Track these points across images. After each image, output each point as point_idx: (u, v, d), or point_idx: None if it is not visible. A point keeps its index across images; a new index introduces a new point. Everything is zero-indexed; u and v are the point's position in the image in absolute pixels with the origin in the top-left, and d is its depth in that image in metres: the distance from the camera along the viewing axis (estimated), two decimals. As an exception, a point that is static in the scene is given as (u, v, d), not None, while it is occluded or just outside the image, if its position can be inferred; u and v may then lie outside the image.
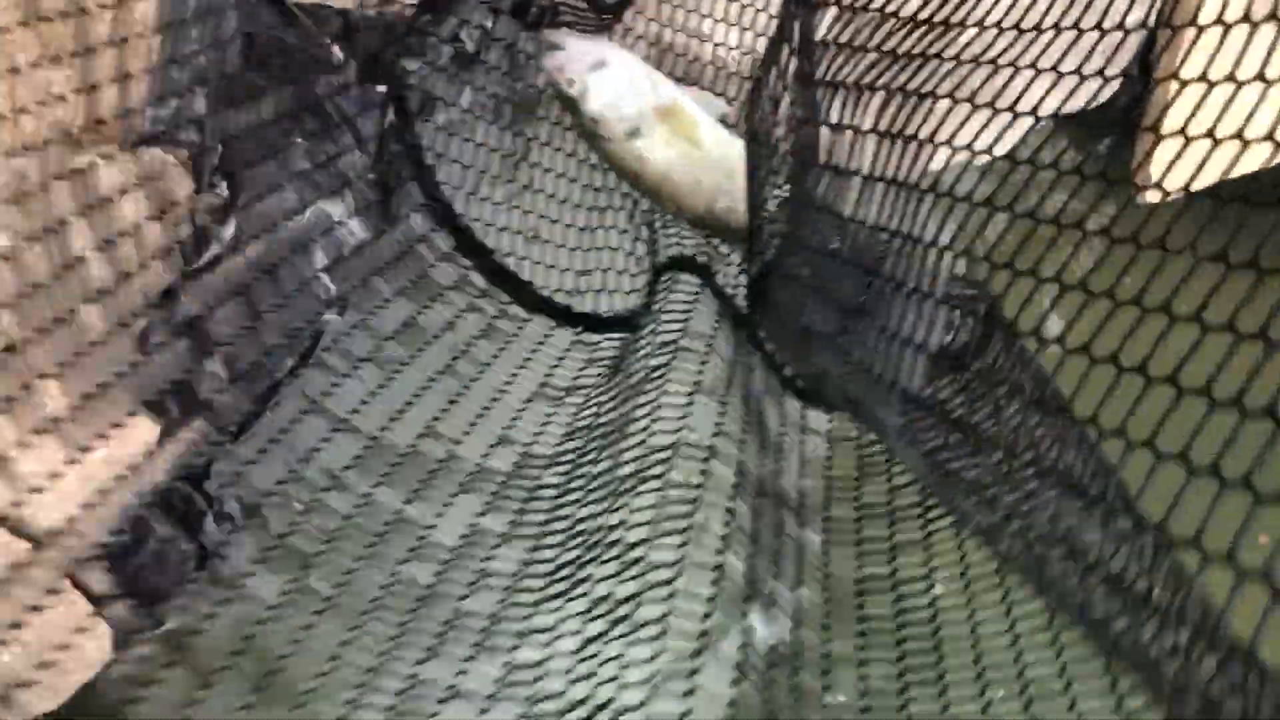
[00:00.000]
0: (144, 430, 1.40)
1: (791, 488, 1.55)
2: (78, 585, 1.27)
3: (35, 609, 1.19)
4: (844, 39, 1.28)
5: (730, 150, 1.80)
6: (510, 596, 1.38)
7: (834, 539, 1.50)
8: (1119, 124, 1.12)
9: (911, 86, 1.16)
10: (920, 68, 1.17)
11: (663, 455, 1.39)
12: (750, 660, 1.15)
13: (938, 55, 1.16)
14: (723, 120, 1.89)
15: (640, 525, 1.30)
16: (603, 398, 1.71)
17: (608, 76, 1.74)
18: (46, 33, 1.29)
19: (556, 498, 1.54)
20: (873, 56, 1.23)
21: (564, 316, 1.93)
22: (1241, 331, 0.71)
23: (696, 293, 1.66)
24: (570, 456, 1.61)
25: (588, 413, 1.71)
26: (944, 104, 1.12)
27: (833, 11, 1.33)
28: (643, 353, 1.61)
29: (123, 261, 1.39)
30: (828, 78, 1.28)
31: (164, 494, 1.38)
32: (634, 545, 1.28)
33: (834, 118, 1.26)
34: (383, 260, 1.82)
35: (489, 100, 2.01)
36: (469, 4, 1.90)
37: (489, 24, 1.96)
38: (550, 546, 1.44)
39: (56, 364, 1.26)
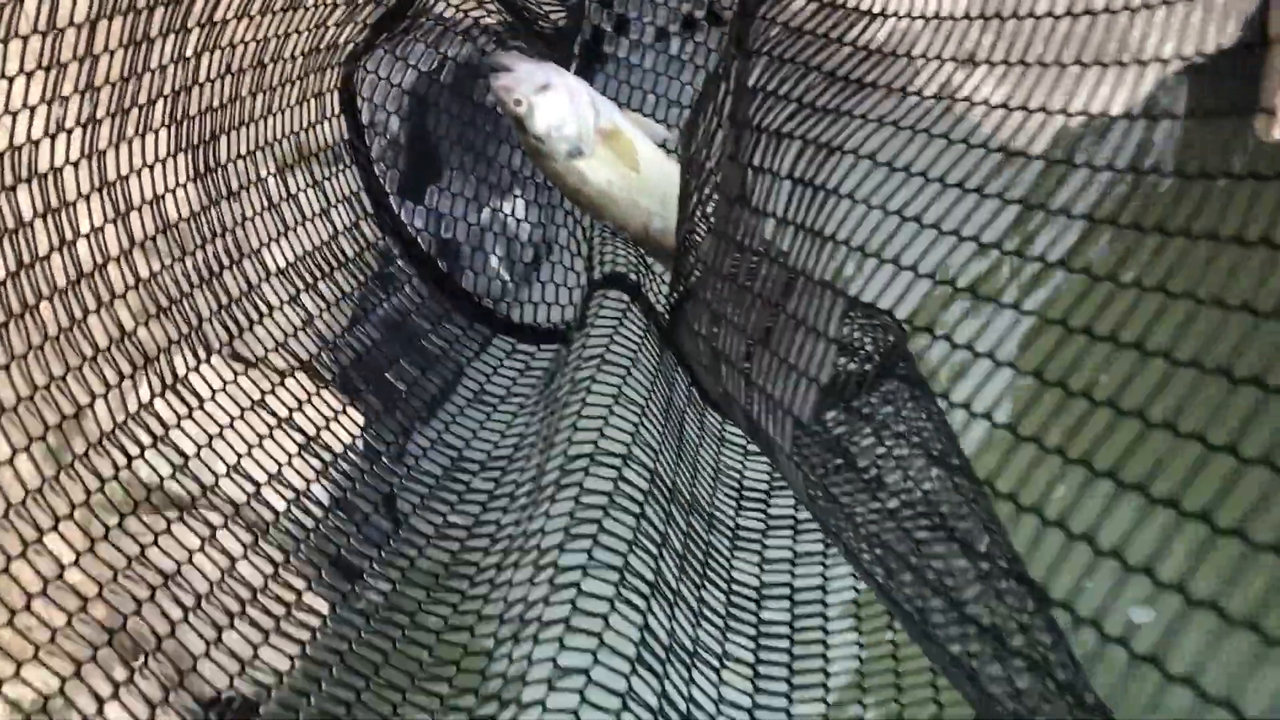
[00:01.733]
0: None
1: (704, 496, 1.62)
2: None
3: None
4: (769, 87, 1.35)
5: (667, 174, 1.87)
6: (434, 595, 1.45)
7: (740, 546, 1.58)
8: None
9: (824, 139, 1.23)
10: (834, 121, 1.24)
11: (580, 464, 1.45)
12: (645, 656, 1.21)
13: (850, 114, 1.23)
14: (662, 145, 1.96)
15: (555, 532, 1.36)
16: (535, 408, 1.77)
17: (552, 98, 1.80)
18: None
19: (485, 503, 1.60)
20: (793, 107, 1.30)
21: (502, 327, 1.99)
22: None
23: (624, 309, 1.73)
24: (501, 463, 1.68)
25: (519, 422, 1.77)
26: (847, 159, 1.19)
27: (764, 61, 1.39)
28: (571, 365, 1.67)
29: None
30: (754, 122, 1.35)
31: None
32: (547, 550, 1.34)
33: (757, 160, 1.32)
34: (334, 262, 1.87)
35: (441, 116, 2.06)
36: (424, 27, 1.95)
37: (444, 46, 2.01)
38: (474, 550, 1.50)
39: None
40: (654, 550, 1.35)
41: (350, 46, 1.86)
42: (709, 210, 1.58)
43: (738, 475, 1.69)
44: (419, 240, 2.01)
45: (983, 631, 0.93)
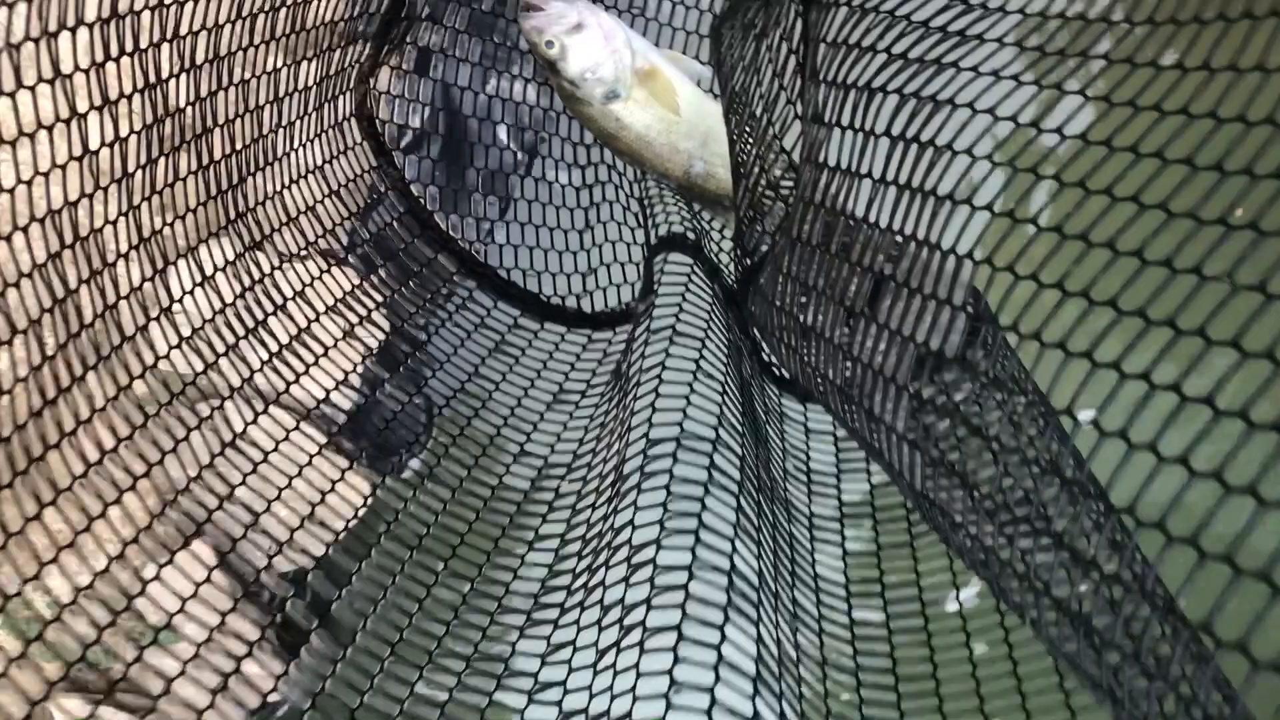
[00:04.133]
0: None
1: (779, 480, 1.40)
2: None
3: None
4: (854, 39, 1.13)
5: (707, 115, 1.66)
6: (533, 614, 1.27)
7: (819, 538, 1.36)
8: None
9: (928, 92, 1.01)
10: (937, 73, 1.02)
11: (666, 449, 1.24)
12: (763, 672, 1.01)
13: (954, 64, 1.01)
14: (699, 83, 1.74)
15: (648, 525, 1.16)
16: (613, 393, 1.58)
17: (586, 38, 1.61)
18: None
19: (574, 504, 1.41)
20: (883, 58, 1.08)
21: (575, 320, 1.80)
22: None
23: (688, 273, 1.52)
24: (585, 460, 1.49)
25: (600, 413, 1.58)
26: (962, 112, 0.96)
27: (843, 12, 1.17)
28: (640, 339, 1.47)
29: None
30: (838, 79, 1.13)
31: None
32: (642, 546, 1.14)
33: (845, 119, 1.11)
34: (386, 290, 1.72)
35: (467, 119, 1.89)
36: (424, 28, 1.78)
37: (450, 46, 1.84)
38: (568, 556, 1.31)
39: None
40: (754, 548, 1.13)
41: (356, 68, 1.71)
42: (776, 173, 1.37)
43: (803, 456, 1.47)
44: (473, 251, 1.84)
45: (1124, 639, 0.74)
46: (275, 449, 1.40)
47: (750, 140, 1.41)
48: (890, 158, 0.98)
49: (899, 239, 0.97)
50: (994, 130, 0.91)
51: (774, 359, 1.61)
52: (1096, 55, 0.94)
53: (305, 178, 1.64)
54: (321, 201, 1.65)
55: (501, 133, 1.90)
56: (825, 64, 1.15)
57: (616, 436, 1.39)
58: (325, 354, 1.52)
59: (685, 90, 1.67)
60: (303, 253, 1.57)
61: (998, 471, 0.90)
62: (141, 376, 1.29)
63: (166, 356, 1.32)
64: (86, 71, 1.22)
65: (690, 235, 1.60)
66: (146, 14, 1.30)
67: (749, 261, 1.45)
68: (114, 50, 1.26)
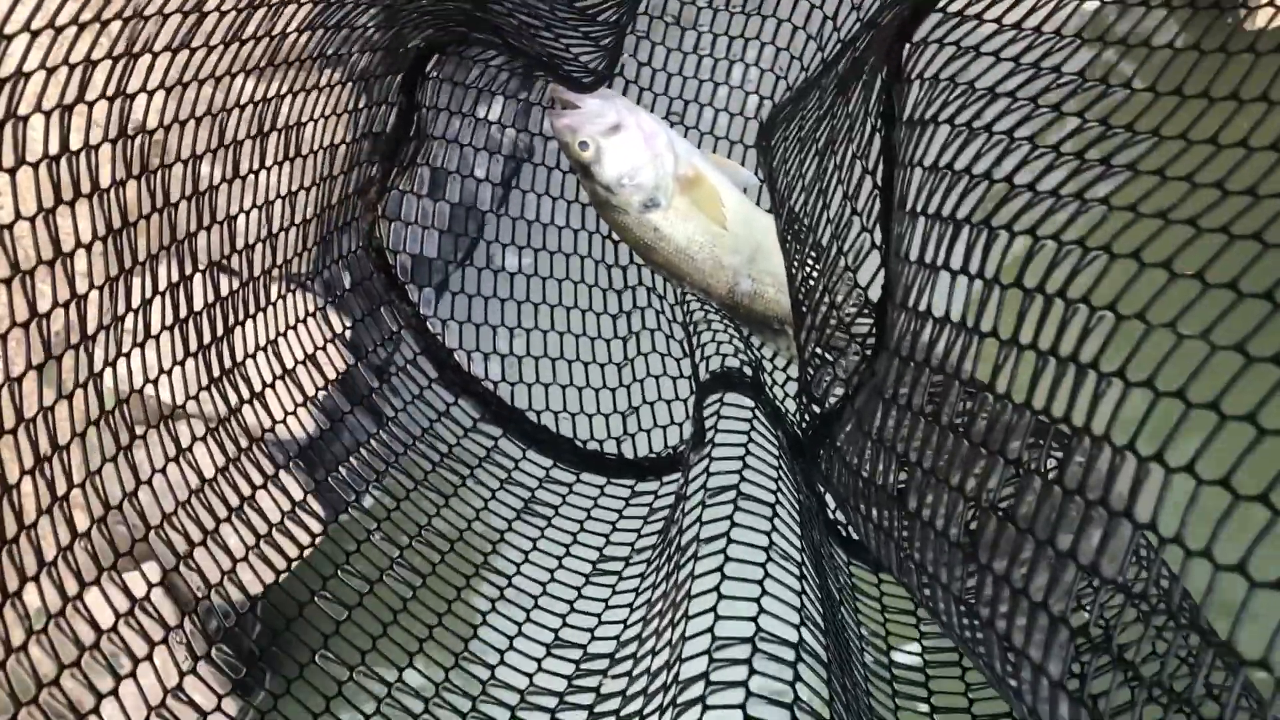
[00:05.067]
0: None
1: (861, 683, 1.13)
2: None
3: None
4: (963, 165, 0.90)
5: (756, 228, 1.45)
6: None
7: None
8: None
9: (1071, 235, 0.78)
10: (1080, 212, 0.79)
11: (738, 653, 0.98)
12: None
13: (1104, 201, 0.78)
14: (746, 192, 1.53)
15: (716, 762, 0.89)
16: (662, 562, 1.32)
17: (624, 140, 1.42)
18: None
19: (619, 710, 1.14)
20: (1003, 189, 0.85)
21: (616, 468, 1.56)
22: None
23: (750, 421, 1.27)
24: (630, 650, 1.22)
25: (646, 585, 1.32)
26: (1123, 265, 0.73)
27: (943, 132, 0.95)
28: (695, 502, 1.22)
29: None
30: (942, 212, 0.91)
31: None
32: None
33: (955, 261, 0.88)
34: (402, 446, 1.49)
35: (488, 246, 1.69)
36: (435, 146, 1.59)
37: (466, 164, 1.65)
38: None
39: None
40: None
41: (363, 195, 1.52)
42: (849, 311, 1.14)
43: (883, 645, 1.20)
44: (497, 394, 1.61)
45: None
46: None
47: (815, 270, 1.19)
48: (1024, 315, 0.74)
49: (1041, 420, 0.73)
50: (1168, 291, 0.67)
51: (840, 514, 1.36)
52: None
53: (304, 322, 1.43)
54: (322, 348, 1.44)
55: (527, 258, 1.69)
56: (921, 193, 0.93)
57: (669, 623, 1.12)
58: (324, 532, 1.28)
59: (732, 199, 1.46)
60: (297, 409, 1.35)
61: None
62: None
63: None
64: (31, 220, 1.03)
65: (747, 370, 1.36)
66: (107, 147, 1.12)
67: (818, 409, 1.20)
68: (66, 193, 1.07)
